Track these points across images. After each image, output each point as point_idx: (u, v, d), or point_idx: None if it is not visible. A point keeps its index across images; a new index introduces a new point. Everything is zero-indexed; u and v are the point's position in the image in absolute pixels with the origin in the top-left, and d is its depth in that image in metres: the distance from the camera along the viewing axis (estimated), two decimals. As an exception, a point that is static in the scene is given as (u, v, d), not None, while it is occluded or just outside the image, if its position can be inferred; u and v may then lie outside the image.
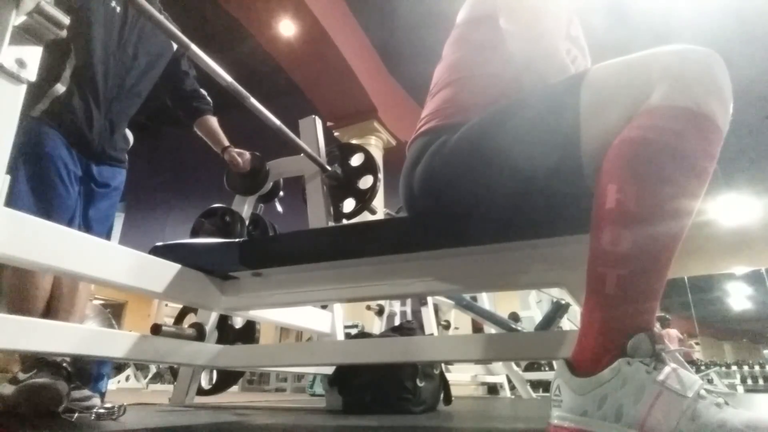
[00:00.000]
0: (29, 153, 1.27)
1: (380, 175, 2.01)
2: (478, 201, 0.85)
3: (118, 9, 1.46)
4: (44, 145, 1.30)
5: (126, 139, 1.57)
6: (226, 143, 1.85)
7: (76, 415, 1.01)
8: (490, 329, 3.52)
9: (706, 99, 0.61)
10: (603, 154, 0.65)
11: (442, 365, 1.84)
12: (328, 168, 1.95)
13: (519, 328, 3.67)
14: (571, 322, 3.68)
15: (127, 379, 6.47)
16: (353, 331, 3.79)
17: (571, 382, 0.59)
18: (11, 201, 1.18)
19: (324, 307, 1.79)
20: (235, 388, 4.99)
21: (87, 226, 1.42)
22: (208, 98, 1.82)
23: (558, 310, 3.43)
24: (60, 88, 1.33)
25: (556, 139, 0.74)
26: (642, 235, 0.58)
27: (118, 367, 6.25)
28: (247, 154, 1.90)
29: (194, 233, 1.93)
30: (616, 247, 0.58)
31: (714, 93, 0.62)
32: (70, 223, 1.32)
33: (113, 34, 1.44)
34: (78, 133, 1.37)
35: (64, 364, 1.14)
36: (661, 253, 0.59)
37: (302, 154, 1.89)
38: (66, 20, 0.73)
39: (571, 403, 0.58)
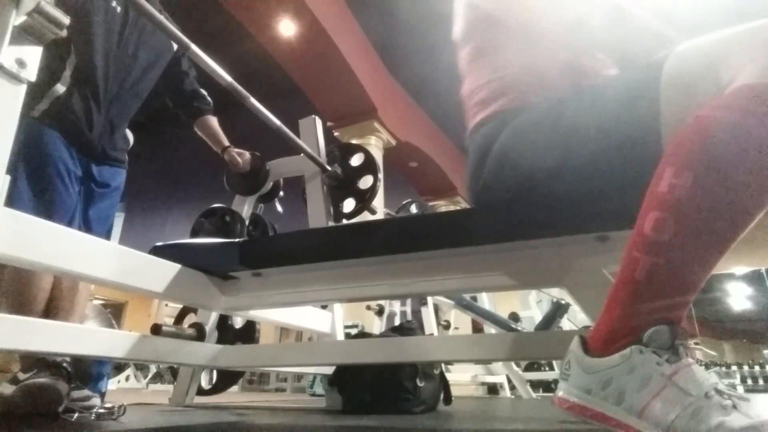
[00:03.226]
0: (29, 153, 1.27)
1: (380, 175, 2.01)
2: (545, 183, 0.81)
3: (119, 9, 1.46)
4: (44, 145, 1.30)
5: (126, 139, 1.57)
6: (226, 143, 1.85)
7: (76, 415, 1.01)
8: (490, 329, 3.52)
9: None
10: None
11: (442, 365, 1.84)
12: (328, 168, 1.95)
13: (519, 328, 3.67)
14: (571, 322, 3.68)
15: (127, 379, 6.47)
16: (353, 331, 3.79)
17: (581, 360, 0.59)
18: (11, 201, 1.19)
19: (324, 307, 1.78)
20: (235, 388, 4.98)
21: (87, 226, 1.42)
22: (208, 98, 1.82)
23: (558, 310, 3.43)
24: (60, 88, 1.33)
25: (635, 128, 0.68)
26: (688, 227, 0.53)
27: (118, 367, 6.25)
28: (247, 154, 1.90)
29: (194, 233, 1.93)
30: (656, 234, 0.54)
31: None
32: (70, 223, 1.32)
33: (114, 34, 1.44)
34: (78, 133, 1.37)
35: (64, 364, 1.14)
36: (706, 251, 0.53)
37: (302, 154, 1.89)
38: (66, 20, 0.73)
39: (577, 379, 0.58)
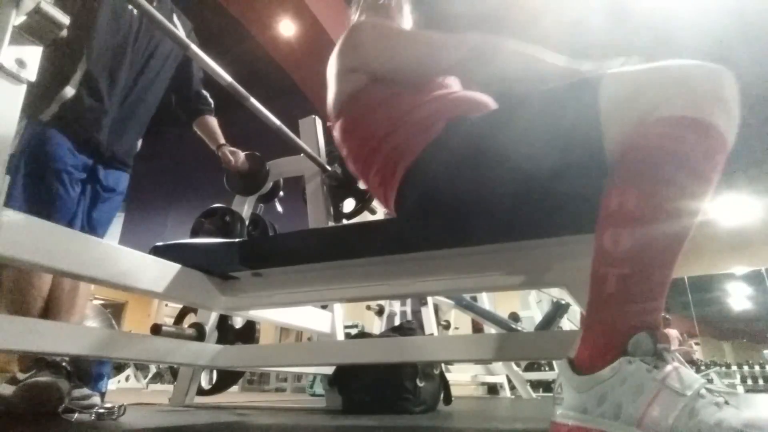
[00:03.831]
0: (32, 155, 1.28)
1: (380, 175, 2.00)
2: (482, 199, 0.85)
3: (135, 12, 1.47)
4: (48, 148, 1.31)
5: (134, 143, 1.59)
6: (222, 141, 1.85)
7: (76, 415, 1.01)
8: (490, 329, 3.51)
9: (711, 110, 0.63)
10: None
11: (442, 365, 1.84)
12: (328, 168, 1.95)
13: (519, 328, 3.67)
14: (571, 322, 3.67)
15: (127, 379, 6.47)
16: (353, 331, 3.78)
17: (572, 380, 0.59)
18: (9, 203, 1.19)
19: (324, 307, 1.79)
20: (235, 388, 4.98)
21: (90, 228, 1.42)
22: (209, 99, 1.83)
23: (558, 310, 3.43)
24: (70, 91, 1.34)
25: (577, 141, 0.74)
26: (642, 236, 0.60)
27: (118, 367, 6.24)
28: (241, 154, 1.90)
29: (194, 233, 1.93)
30: (616, 247, 0.60)
31: (720, 106, 0.64)
32: (70, 225, 1.32)
33: (127, 39, 1.46)
34: (86, 137, 1.38)
35: (64, 363, 1.14)
36: (662, 254, 0.60)
37: (302, 154, 1.89)
38: (66, 20, 0.73)
39: (572, 400, 0.59)
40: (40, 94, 1.30)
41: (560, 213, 0.82)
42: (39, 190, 1.28)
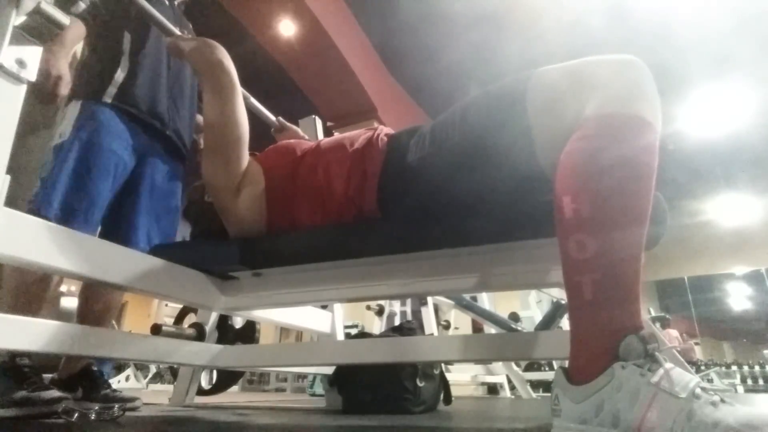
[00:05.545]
0: (87, 131, 1.33)
1: (380, 175, 2.00)
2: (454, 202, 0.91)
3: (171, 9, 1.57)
4: (104, 125, 1.35)
5: (191, 127, 1.64)
6: None
7: (76, 415, 1.00)
8: (490, 329, 3.51)
9: (634, 102, 0.65)
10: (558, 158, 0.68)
11: (442, 365, 1.84)
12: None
13: (519, 328, 3.67)
14: (571, 322, 3.67)
15: (127, 379, 6.46)
16: (353, 331, 3.78)
17: (568, 391, 0.59)
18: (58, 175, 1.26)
19: (324, 307, 1.78)
20: (235, 388, 4.98)
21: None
22: None
23: (558, 310, 3.43)
24: (122, 72, 1.40)
25: (512, 144, 0.78)
26: (606, 237, 0.60)
27: (118, 367, 6.23)
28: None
29: (194, 233, 1.92)
30: (583, 254, 0.60)
31: (641, 95, 0.66)
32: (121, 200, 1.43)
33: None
34: (147, 110, 1.44)
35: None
36: (627, 250, 0.60)
37: (302, 154, 1.88)
38: (66, 20, 0.73)
39: (569, 411, 0.58)
40: (99, 77, 1.38)
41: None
42: (88, 161, 1.31)
